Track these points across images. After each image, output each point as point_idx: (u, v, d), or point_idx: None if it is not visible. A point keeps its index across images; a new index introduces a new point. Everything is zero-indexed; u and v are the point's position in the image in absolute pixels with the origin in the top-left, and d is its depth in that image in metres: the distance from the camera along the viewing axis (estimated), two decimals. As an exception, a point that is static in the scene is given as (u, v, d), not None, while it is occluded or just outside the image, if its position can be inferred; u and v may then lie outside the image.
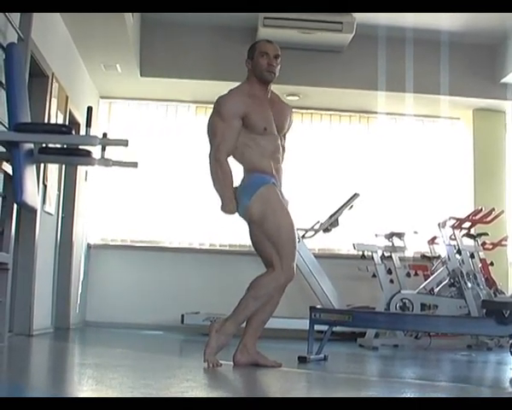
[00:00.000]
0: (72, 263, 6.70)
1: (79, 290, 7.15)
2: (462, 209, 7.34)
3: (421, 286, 6.29)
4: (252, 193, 3.85)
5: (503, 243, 7.22)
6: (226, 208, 3.90)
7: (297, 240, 3.98)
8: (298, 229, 6.06)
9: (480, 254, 6.76)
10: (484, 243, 6.93)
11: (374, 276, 6.41)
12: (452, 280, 6.16)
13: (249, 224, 3.91)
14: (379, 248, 6.36)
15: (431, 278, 6.45)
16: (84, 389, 2.82)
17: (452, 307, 5.97)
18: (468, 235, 6.62)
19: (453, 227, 6.34)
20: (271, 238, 3.83)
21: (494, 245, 7.09)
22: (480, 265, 6.60)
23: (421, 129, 8.28)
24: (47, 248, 5.85)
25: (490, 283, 6.68)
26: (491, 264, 6.95)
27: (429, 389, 3.41)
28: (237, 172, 3.96)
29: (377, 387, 3.51)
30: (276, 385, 3.48)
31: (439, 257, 6.82)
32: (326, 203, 7.14)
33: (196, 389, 3.01)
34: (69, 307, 6.63)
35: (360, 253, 6.48)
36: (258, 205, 3.84)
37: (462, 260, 6.18)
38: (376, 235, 6.65)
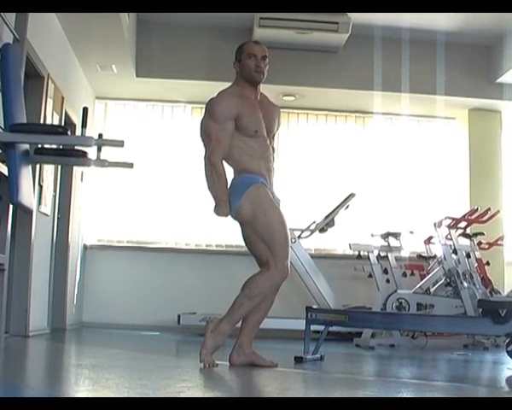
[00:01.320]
0: (69, 264, 6.70)
1: (76, 291, 7.14)
2: (457, 209, 7.34)
3: (418, 286, 6.30)
4: (241, 194, 3.86)
5: (499, 242, 7.22)
6: (219, 211, 3.89)
7: (290, 238, 3.98)
8: (294, 229, 6.11)
9: (476, 253, 6.75)
10: (480, 243, 6.93)
11: (370, 276, 6.41)
12: (448, 280, 6.17)
13: (241, 224, 3.92)
14: (375, 248, 6.36)
15: (427, 277, 6.45)
16: (81, 389, 2.82)
17: (448, 307, 5.97)
18: (464, 235, 6.62)
19: (449, 227, 6.35)
20: (264, 238, 3.83)
21: (490, 245, 7.10)
22: (476, 264, 6.60)
23: (416, 129, 8.29)
24: (43, 248, 5.84)
25: (486, 282, 6.69)
26: (487, 263, 6.97)
27: (426, 389, 3.41)
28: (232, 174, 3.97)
29: (374, 387, 3.51)
30: (272, 385, 3.48)
31: (435, 257, 6.82)
32: (322, 203, 7.12)
33: (192, 389, 3.01)
34: (65, 307, 6.63)
35: (356, 253, 6.47)
36: (248, 205, 3.84)
37: (458, 260, 6.20)
38: (372, 235, 6.65)
